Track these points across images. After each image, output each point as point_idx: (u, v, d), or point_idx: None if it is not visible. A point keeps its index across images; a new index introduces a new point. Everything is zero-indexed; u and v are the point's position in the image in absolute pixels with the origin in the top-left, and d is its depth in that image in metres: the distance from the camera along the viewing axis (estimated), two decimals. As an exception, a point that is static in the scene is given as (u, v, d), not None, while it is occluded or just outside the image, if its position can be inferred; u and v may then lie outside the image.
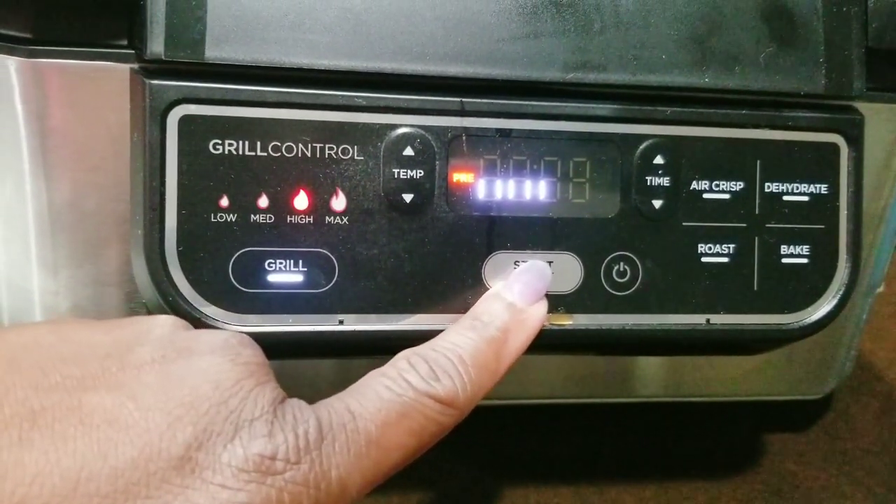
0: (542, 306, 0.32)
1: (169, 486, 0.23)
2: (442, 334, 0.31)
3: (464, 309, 0.33)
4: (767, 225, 0.35)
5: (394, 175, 0.32)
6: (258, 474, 0.24)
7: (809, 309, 0.36)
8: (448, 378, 0.29)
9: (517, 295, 0.32)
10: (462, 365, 0.29)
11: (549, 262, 0.33)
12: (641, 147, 0.34)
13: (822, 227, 0.36)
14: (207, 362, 0.26)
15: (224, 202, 0.31)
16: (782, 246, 0.35)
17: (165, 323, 0.28)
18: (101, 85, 0.32)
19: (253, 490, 0.24)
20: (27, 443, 0.22)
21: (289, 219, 0.31)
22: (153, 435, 0.24)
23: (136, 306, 0.36)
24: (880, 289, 0.46)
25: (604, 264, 0.34)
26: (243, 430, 0.25)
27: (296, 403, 0.27)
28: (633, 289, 0.34)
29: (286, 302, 0.31)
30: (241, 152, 0.31)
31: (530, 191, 0.33)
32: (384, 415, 0.27)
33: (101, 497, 0.22)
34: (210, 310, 0.31)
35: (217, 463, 0.24)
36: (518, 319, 0.31)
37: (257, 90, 0.31)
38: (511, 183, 0.33)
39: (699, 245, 0.34)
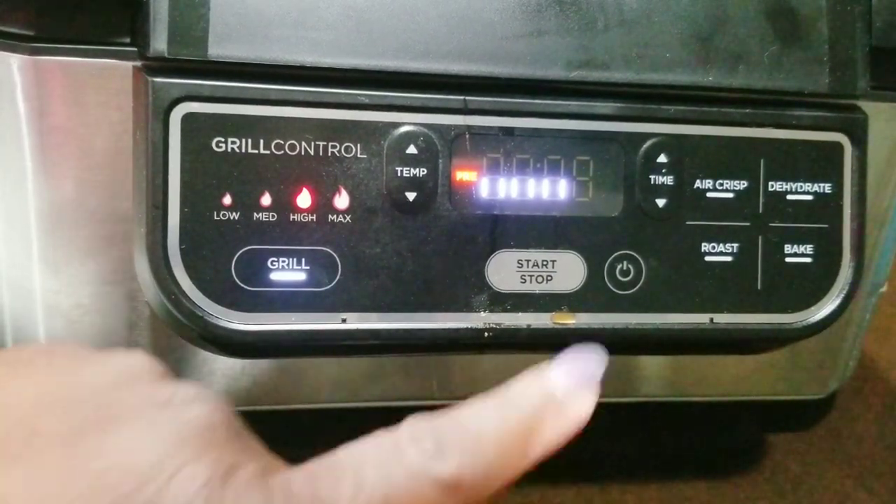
0: (590, 397, 0.27)
1: None
2: (466, 402, 0.26)
3: (466, 308, 0.32)
4: (771, 224, 0.35)
5: (397, 173, 0.32)
6: None
7: (813, 308, 0.36)
8: (455, 456, 0.23)
9: (561, 379, 0.27)
10: (476, 442, 0.24)
11: (553, 261, 0.33)
12: (645, 146, 0.34)
13: (826, 226, 0.36)
14: (125, 435, 0.22)
15: (227, 200, 0.30)
16: (786, 245, 0.35)
17: (121, 372, 0.24)
18: (103, 83, 0.32)
19: None
20: None
21: (292, 217, 0.31)
22: None
23: (137, 305, 0.36)
24: (883, 288, 0.46)
25: (607, 263, 0.34)
26: None
27: (284, 476, 0.22)
28: (636, 288, 0.34)
29: (289, 300, 0.31)
30: (244, 150, 0.30)
31: (533, 189, 0.33)
32: (388, 493, 0.22)
33: None
34: (213, 308, 0.31)
35: None
36: (555, 406, 0.26)
37: (260, 88, 0.30)
38: (514, 181, 0.33)
39: (703, 244, 0.34)
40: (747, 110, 0.34)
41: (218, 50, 0.30)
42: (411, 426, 0.24)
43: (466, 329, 0.32)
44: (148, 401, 0.23)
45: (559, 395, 0.26)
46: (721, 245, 0.35)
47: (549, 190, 0.33)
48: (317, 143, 0.31)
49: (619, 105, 0.33)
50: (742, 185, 0.35)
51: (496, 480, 0.24)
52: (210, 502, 0.21)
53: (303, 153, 0.31)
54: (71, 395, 0.23)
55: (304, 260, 0.31)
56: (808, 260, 0.35)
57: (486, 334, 0.33)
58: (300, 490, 0.22)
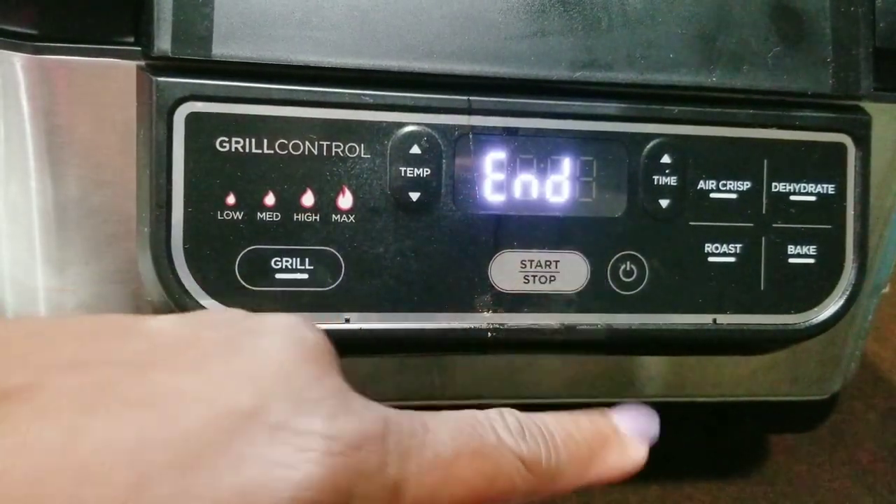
0: (646, 449, 0.31)
1: (241, 439, 0.23)
2: (540, 413, 0.30)
3: (470, 308, 0.32)
4: (774, 225, 0.35)
5: (400, 173, 0.32)
6: (320, 449, 0.23)
7: (816, 309, 0.36)
8: (535, 441, 0.28)
9: (625, 423, 0.31)
10: (552, 439, 0.28)
11: (556, 262, 0.33)
12: (648, 146, 0.34)
13: (829, 227, 0.36)
14: (271, 342, 0.25)
15: (231, 200, 0.30)
16: (789, 246, 0.35)
17: (234, 313, 0.28)
18: (107, 82, 0.32)
19: (313, 460, 0.23)
20: (101, 409, 0.22)
21: (295, 217, 0.31)
22: (220, 392, 0.23)
23: (141, 304, 0.36)
24: (886, 289, 0.46)
25: (610, 264, 0.34)
26: (306, 405, 0.24)
27: (363, 399, 0.26)
28: (639, 288, 0.34)
29: (292, 300, 0.31)
30: (247, 150, 0.30)
31: (537, 190, 0.33)
32: (459, 443, 0.26)
33: (179, 456, 0.22)
34: (216, 307, 0.31)
35: (285, 424, 0.23)
36: (618, 442, 0.30)
37: (264, 88, 0.31)
38: (517, 181, 0.33)
39: (706, 245, 0.34)
40: (751, 111, 0.34)
41: (222, 49, 0.30)
42: (499, 410, 0.28)
43: (470, 329, 0.33)
44: (276, 324, 0.26)
45: (623, 434, 0.30)
46: (724, 246, 0.35)
47: (552, 190, 0.33)
48: (321, 142, 0.31)
49: (622, 105, 0.33)
50: (745, 185, 0.35)
51: (558, 482, 0.28)
52: (341, 400, 0.25)
53: (307, 153, 0.31)
54: (213, 320, 0.26)
55: (307, 260, 0.31)
56: (812, 261, 0.35)
57: (489, 334, 0.33)
58: (415, 417, 0.26)
